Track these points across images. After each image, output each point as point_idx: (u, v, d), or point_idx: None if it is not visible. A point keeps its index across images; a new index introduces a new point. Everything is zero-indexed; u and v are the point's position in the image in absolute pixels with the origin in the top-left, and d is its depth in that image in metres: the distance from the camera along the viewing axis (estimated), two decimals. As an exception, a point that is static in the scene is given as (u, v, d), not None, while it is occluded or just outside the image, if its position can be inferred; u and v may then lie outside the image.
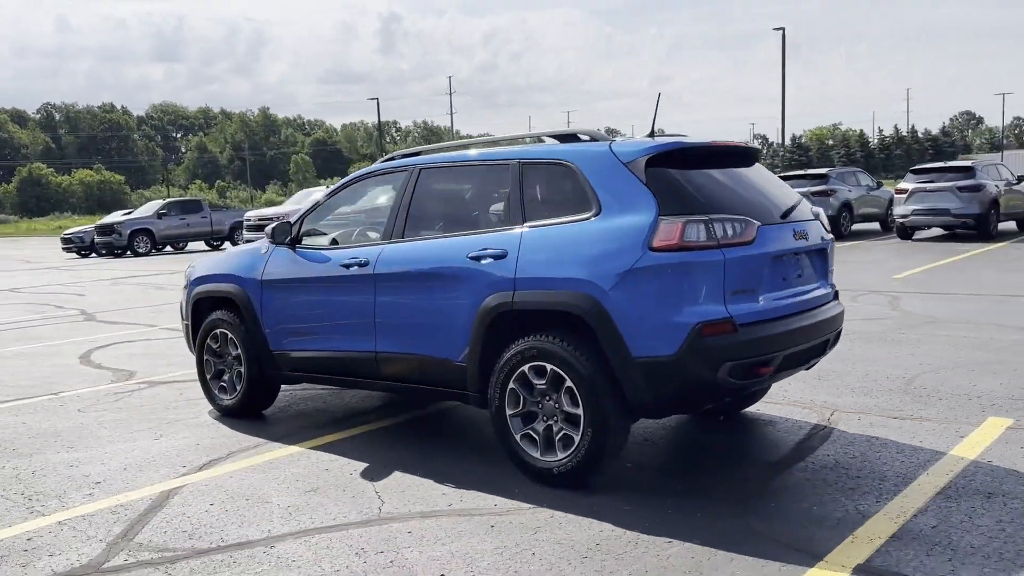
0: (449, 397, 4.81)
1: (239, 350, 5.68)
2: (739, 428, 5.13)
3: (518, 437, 4.29)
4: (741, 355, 3.87)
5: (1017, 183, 18.55)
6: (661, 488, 4.18)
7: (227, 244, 29.87)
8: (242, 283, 5.63)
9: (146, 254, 27.56)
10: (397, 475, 4.50)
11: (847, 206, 19.51)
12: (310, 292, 5.26)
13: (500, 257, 4.31)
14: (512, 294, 4.22)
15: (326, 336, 5.20)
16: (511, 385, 4.28)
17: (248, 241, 22.81)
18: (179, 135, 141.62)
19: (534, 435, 4.25)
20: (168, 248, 29.61)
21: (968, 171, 17.58)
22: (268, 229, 5.49)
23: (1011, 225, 19.06)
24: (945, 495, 3.86)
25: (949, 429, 4.83)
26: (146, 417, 5.98)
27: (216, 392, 5.94)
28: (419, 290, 4.67)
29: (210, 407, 6.05)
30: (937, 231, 18.79)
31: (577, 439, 4.06)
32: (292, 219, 5.48)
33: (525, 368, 4.21)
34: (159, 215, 28.67)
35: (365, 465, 4.69)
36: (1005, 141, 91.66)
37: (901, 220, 17.88)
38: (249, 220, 22.77)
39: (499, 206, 4.59)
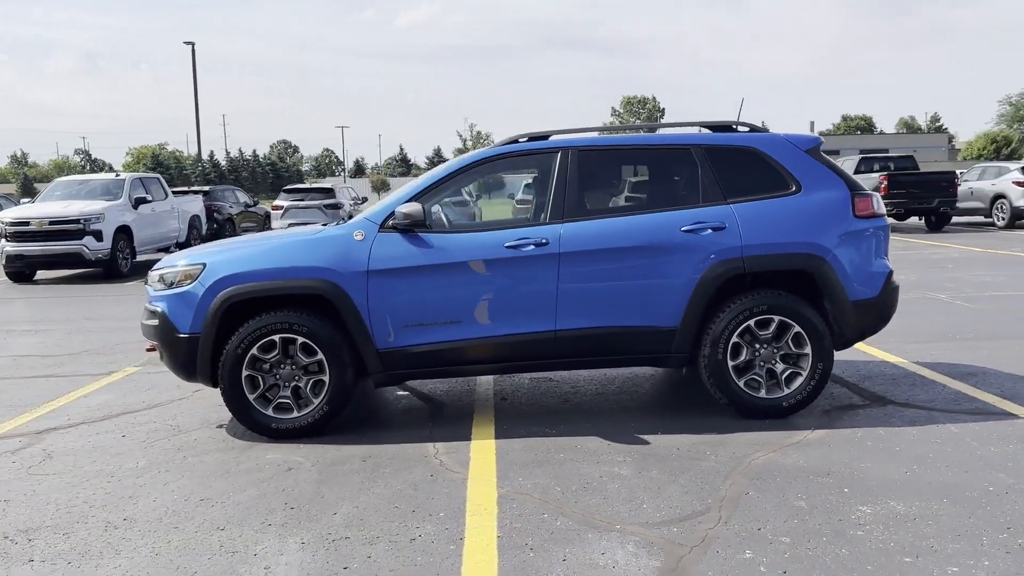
0: (640, 363, 5.15)
1: (320, 355, 4.86)
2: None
3: (741, 383, 4.99)
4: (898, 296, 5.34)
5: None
6: (834, 403, 5.31)
7: None
8: (336, 276, 4.84)
9: None
10: (656, 437, 4.75)
11: (231, 220, 22.02)
12: (455, 278, 4.89)
13: (719, 229, 4.95)
14: (742, 259, 4.92)
15: (478, 322, 4.92)
16: (734, 339, 4.96)
17: None
18: None
19: (758, 379, 5.00)
20: None
21: (330, 191, 22.88)
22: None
23: None
24: (984, 377, 5.85)
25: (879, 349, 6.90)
26: (177, 463, 4.64)
27: (270, 412, 4.90)
28: (623, 264, 4.92)
29: (225, 436, 4.96)
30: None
31: (804, 375, 4.98)
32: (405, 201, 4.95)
33: (751, 322, 4.95)
34: None
35: (595, 439, 4.75)
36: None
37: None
38: None
39: (688, 184, 5.15)
